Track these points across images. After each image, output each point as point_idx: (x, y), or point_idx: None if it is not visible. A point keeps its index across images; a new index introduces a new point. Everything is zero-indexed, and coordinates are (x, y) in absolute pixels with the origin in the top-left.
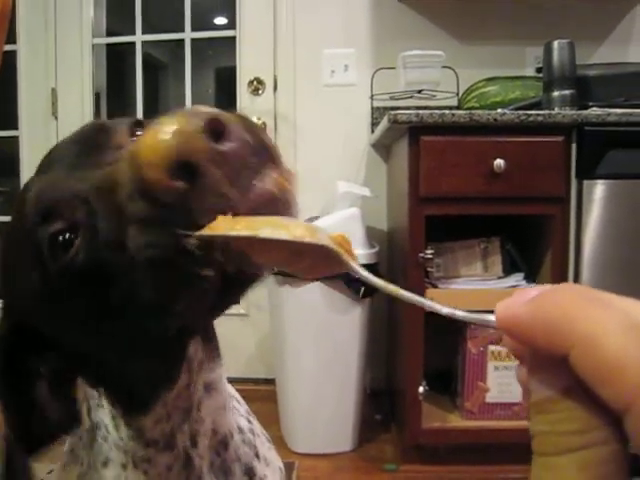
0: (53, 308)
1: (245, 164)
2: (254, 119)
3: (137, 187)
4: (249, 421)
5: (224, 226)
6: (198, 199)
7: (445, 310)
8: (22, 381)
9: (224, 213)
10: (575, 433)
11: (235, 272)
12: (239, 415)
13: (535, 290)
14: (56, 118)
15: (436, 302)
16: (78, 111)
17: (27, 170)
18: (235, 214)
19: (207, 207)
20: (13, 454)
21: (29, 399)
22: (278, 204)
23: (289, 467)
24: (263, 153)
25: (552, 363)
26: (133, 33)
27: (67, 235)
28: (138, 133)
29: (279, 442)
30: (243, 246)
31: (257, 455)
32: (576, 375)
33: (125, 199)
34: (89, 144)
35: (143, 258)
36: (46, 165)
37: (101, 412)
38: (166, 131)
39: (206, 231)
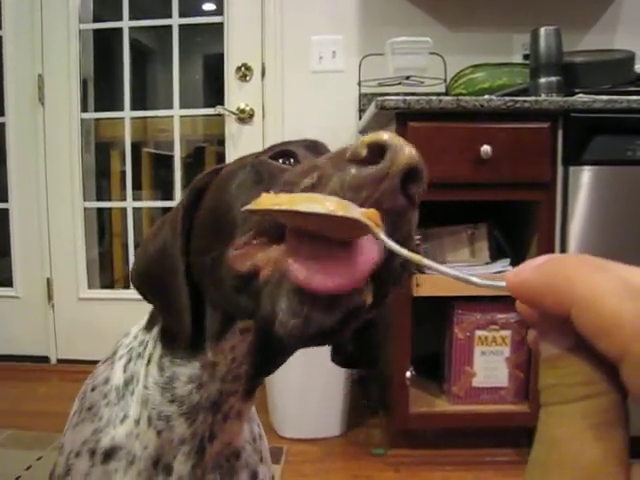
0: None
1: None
2: (242, 105)
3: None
4: (258, 425)
5: (268, 202)
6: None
7: (461, 276)
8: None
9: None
10: (580, 385)
11: None
12: (254, 423)
13: (542, 258)
14: (43, 104)
15: (456, 270)
16: (65, 97)
17: (14, 156)
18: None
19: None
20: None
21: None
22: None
23: (278, 452)
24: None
25: (559, 324)
26: (120, 19)
27: None
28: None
29: (268, 428)
30: (284, 217)
31: (261, 459)
32: (579, 333)
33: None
34: (273, 168)
35: None
36: None
37: (139, 363)
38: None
39: (252, 206)
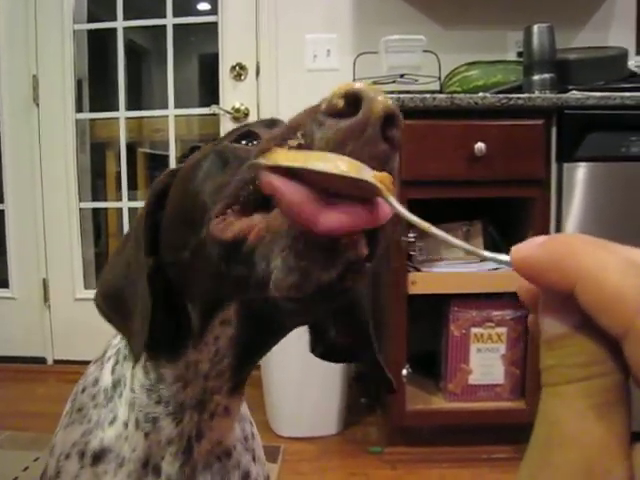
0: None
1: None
2: (237, 104)
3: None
4: (251, 423)
5: (282, 157)
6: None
7: (468, 247)
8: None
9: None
10: (581, 365)
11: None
12: (246, 422)
13: (544, 237)
14: (37, 105)
15: (463, 242)
16: (60, 98)
17: (9, 157)
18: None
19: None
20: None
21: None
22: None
23: (275, 451)
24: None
25: (562, 303)
26: (115, 19)
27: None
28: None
29: (265, 427)
30: (298, 173)
31: (254, 458)
32: (583, 313)
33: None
34: (237, 151)
35: None
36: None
37: (126, 365)
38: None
39: (265, 160)
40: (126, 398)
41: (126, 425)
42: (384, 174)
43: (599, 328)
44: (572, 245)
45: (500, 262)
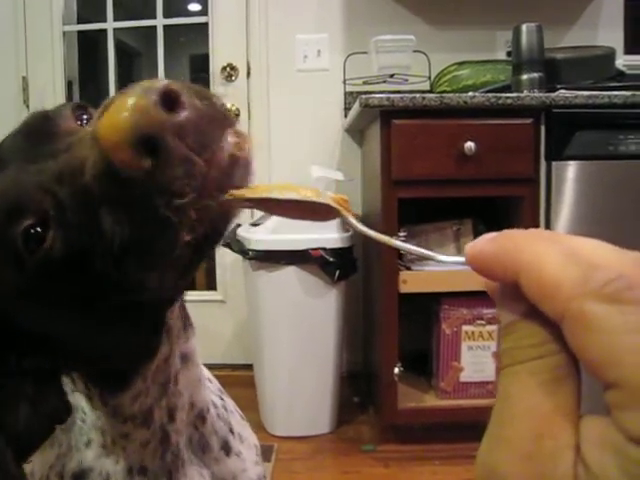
0: (33, 301)
1: (204, 131)
2: (227, 105)
3: (103, 169)
4: (221, 398)
5: (248, 192)
6: (167, 170)
7: (426, 252)
8: (6, 380)
9: (194, 179)
10: (531, 346)
11: (206, 231)
12: (211, 392)
13: (495, 233)
14: (28, 107)
15: (433, 250)
16: (50, 99)
17: None
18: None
19: (177, 176)
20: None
21: (17, 398)
22: (240, 165)
23: (268, 450)
24: (218, 118)
25: (512, 293)
26: (105, 20)
27: (39, 228)
28: (84, 117)
29: (258, 426)
30: (263, 206)
31: (231, 431)
32: (530, 302)
33: (92, 182)
34: (37, 135)
35: (125, 234)
36: None
37: (77, 396)
38: (123, 108)
39: (231, 196)
40: (94, 425)
41: (103, 446)
42: (340, 196)
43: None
44: (515, 240)
45: (457, 262)
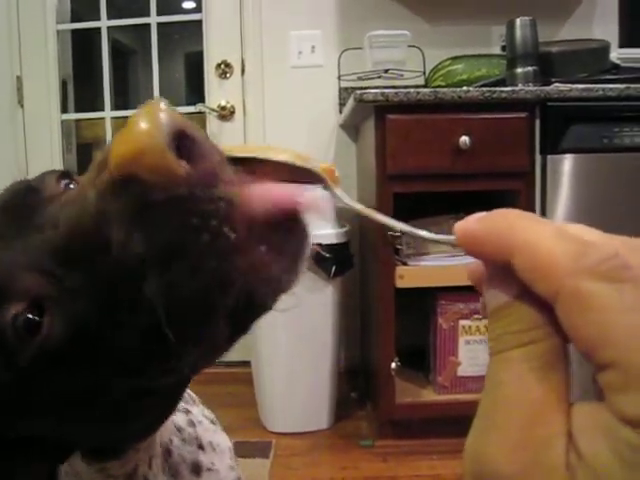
0: (31, 394)
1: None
2: (222, 102)
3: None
4: (186, 412)
5: (237, 150)
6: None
7: (411, 230)
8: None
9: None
10: (522, 332)
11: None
12: (181, 412)
13: (485, 212)
14: (22, 106)
15: (425, 230)
16: (44, 99)
17: None
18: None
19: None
20: None
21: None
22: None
23: (266, 446)
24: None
25: (502, 275)
26: (99, 18)
27: (30, 315)
28: (70, 185)
29: (256, 423)
30: (248, 167)
31: (201, 446)
32: (521, 283)
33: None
34: (20, 208)
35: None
36: None
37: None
38: (127, 162)
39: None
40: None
41: None
42: (328, 166)
43: (536, 296)
44: (508, 218)
45: (447, 240)
